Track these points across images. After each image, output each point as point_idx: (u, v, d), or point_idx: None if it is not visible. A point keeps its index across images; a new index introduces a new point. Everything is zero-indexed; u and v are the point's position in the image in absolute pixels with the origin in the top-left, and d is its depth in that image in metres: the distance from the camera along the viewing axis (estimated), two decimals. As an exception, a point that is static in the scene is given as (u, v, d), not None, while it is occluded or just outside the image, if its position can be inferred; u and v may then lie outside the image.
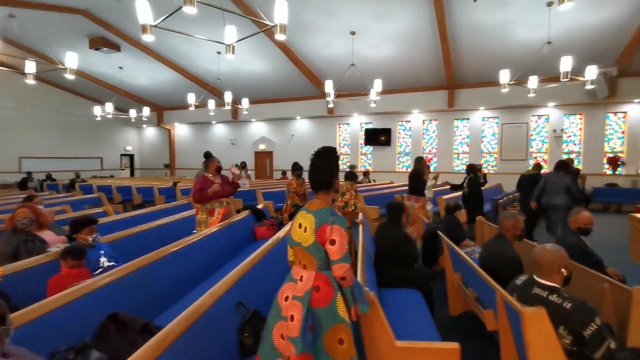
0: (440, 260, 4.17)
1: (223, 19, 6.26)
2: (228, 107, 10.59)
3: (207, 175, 4.52)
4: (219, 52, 11.21)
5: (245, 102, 11.37)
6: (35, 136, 15.74)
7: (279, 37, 4.63)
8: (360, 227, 4.31)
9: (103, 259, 3.23)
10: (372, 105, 9.83)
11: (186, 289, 3.27)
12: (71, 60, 6.46)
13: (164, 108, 17.86)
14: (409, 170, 5.93)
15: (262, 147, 17.06)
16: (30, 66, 6.55)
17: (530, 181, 6.59)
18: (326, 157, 2.02)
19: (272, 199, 7.32)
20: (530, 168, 7.43)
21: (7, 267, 2.67)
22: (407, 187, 6.35)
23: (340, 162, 2.09)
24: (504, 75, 7.50)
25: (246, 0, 8.70)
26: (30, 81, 6.68)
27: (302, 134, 16.08)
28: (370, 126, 14.67)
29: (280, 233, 3.90)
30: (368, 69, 10.91)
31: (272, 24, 4.55)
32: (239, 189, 5.30)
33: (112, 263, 3.26)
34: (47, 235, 3.58)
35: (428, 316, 2.86)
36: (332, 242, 1.80)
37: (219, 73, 12.33)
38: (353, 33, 9.71)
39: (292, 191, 6.05)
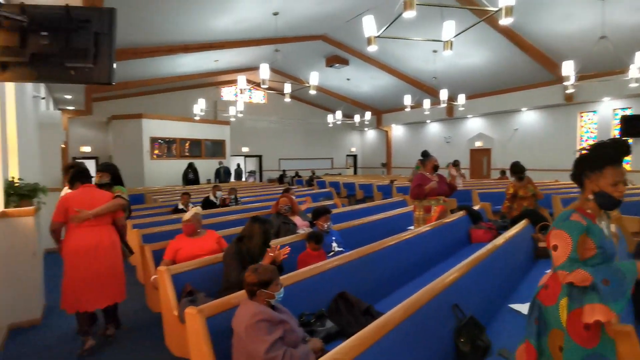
0: None
1: (441, 16, 6.21)
2: (443, 105, 10.40)
3: (424, 173, 4.64)
4: (434, 51, 11.13)
5: (461, 98, 10.85)
6: (289, 142, 20.07)
7: (505, 21, 4.19)
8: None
9: (334, 244, 3.83)
10: (633, 85, 7.45)
11: (401, 281, 3.46)
12: (314, 78, 7.92)
13: (382, 111, 19.22)
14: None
15: (478, 144, 15.84)
16: (287, 88, 8.44)
17: None
18: (595, 149, 1.68)
19: (489, 200, 6.74)
20: None
21: (274, 242, 3.56)
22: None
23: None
24: None
25: (466, -9, 8.28)
26: (288, 99, 8.61)
27: (528, 127, 13.97)
28: (629, 112, 11.22)
29: (501, 239, 3.55)
30: (626, 39, 8.37)
31: (496, 9, 4.17)
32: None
33: (341, 249, 3.81)
34: (296, 219, 4.55)
35: None
36: (554, 248, 1.64)
37: (435, 71, 12.24)
38: (605, -4, 7.68)
39: (508, 195, 5.44)
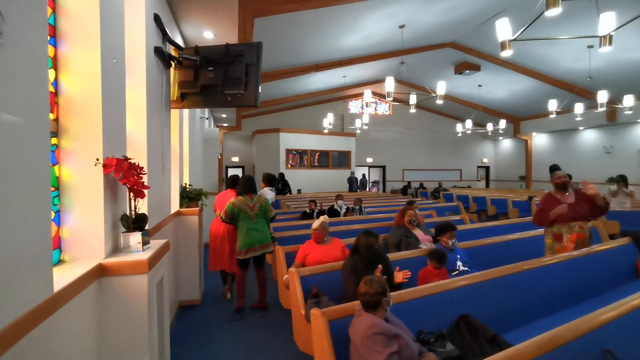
0: None
1: (596, 7, 5.32)
2: (602, 109, 8.76)
3: (553, 193, 3.94)
4: (590, 46, 9.49)
5: (628, 100, 8.98)
6: (413, 152, 19.66)
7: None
8: None
9: (459, 263, 3.63)
10: None
11: (537, 313, 3.07)
12: (441, 88, 7.67)
13: (520, 119, 17.21)
14: None
15: (655, 154, 12.75)
16: (413, 98, 8.37)
17: None
18: None
19: (672, 227, 5.38)
20: None
21: (395, 255, 3.59)
22: None
23: None
24: None
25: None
26: (413, 110, 8.53)
27: None
28: None
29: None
30: None
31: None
32: (615, 210, 4.29)
33: (466, 268, 3.59)
34: (418, 233, 4.46)
35: None
36: None
37: (590, 71, 10.40)
38: None
39: None
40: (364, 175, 17.81)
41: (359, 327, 2.02)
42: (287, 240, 4.68)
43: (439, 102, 7.93)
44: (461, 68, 12.90)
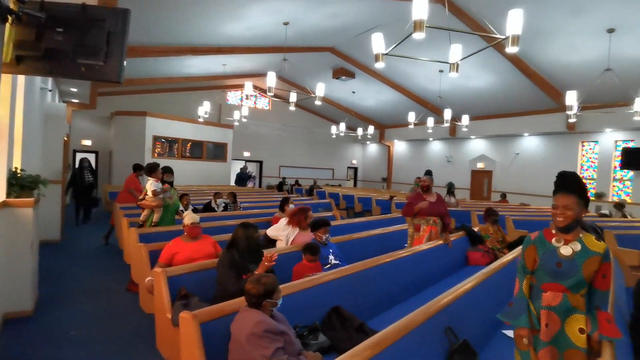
0: None
1: (449, 38, 6.31)
2: (447, 125, 10.49)
3: (421, 192, 4.72)
4: (441, 71, 11.28)
5: (465, 119, 10.98)
6: (290, 149, 20.09)
7: (511, 49, 4.26)
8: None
9: (331, 257, 3.83)
10: (638, 118, 7.56)
11: (396, 299, 3.46)
12: (320, 89, 8.00)
13: (385, 126, 19.34)
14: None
15: (480, 165, 15.94)
16: (293, 96, 8.51)
17: None
18: None
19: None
20: None
21: (271, 251, 3.55)
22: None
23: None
24: None
25: (474, 16, 8.41)
26: (292, 108, 8.68)
27: (529, 152, 14.11)
28: (632, 145, 11.35)
29: (497, 263, 3.57)
30: (632, 72, 8.50)
31: (503, 37, 4.25)
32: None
33: (337, 262, 3.81)
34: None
35: None
36: None
37: (440, 91, 12.37)
38: (611, 30, 7.81)
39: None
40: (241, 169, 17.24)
41: (245, 323, 1.92)
42: (151, 237, 4.18)
43: (318, 102, 8.29)
44: (338, 73, 13.77)
